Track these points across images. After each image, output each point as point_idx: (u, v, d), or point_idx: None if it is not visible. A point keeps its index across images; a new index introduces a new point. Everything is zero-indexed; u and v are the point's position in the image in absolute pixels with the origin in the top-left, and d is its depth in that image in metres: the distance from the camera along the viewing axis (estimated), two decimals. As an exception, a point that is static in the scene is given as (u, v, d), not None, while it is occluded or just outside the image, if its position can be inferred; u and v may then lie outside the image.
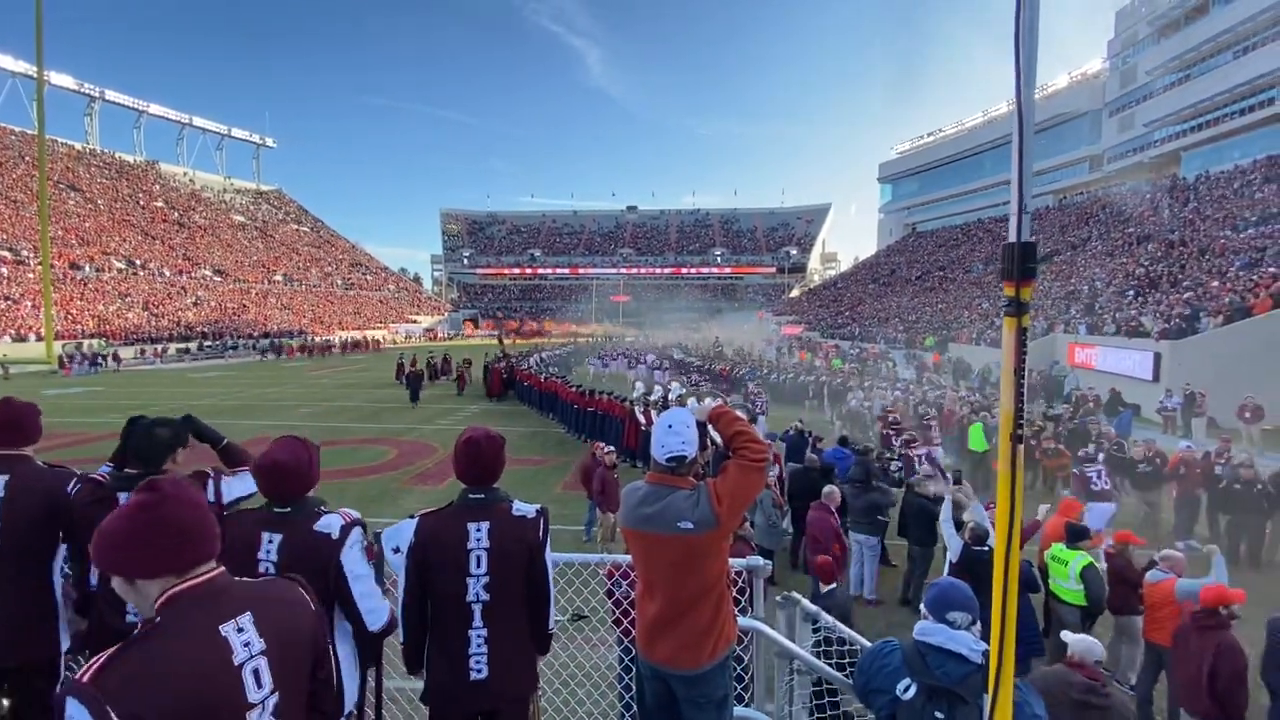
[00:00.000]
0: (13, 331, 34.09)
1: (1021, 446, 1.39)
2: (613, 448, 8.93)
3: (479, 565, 2.26)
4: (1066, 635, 3.50)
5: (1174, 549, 5.34)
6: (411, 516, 2.37)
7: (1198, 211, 28.80)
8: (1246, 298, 17.17)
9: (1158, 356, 16.96)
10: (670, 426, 2.32)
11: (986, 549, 5.21)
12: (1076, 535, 5.43)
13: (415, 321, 69.01)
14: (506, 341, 34.92)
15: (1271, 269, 18.71)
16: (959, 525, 5.79)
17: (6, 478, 2.50)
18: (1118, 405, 15.75)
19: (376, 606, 2.17)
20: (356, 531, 2.17)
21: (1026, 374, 1.46)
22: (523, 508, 2.36)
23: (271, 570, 2.06)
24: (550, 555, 2.42)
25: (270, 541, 2.09)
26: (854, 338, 38.34)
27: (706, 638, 2.27)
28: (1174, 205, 31.61)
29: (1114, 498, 8.42)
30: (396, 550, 2.33)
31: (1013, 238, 1.45)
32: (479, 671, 2.27)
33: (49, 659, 2.53)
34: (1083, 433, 11.39)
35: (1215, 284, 19.61)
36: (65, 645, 2.56)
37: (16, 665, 2.48)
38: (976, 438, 11.57)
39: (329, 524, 2.13)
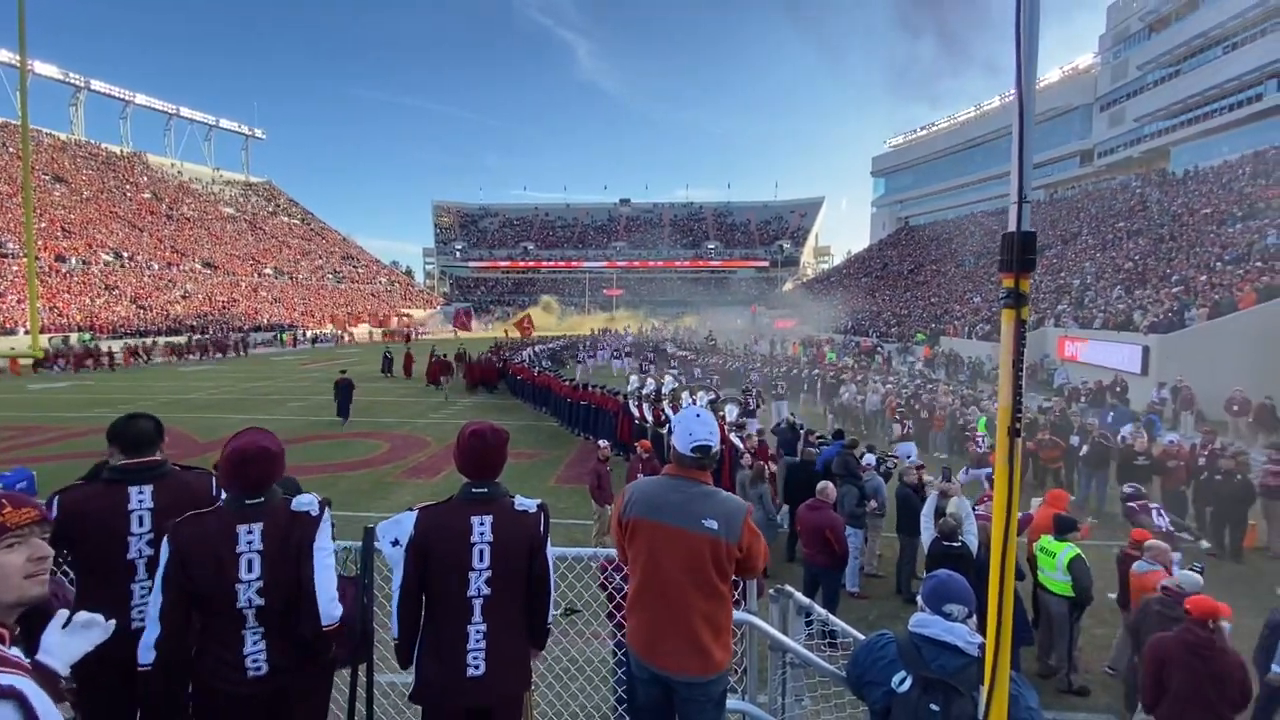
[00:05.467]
0: (-2, 325, 33.60)
1: (1020, 441, 1.38)
2: (607, 442, 8.95)
3: (482, 559, 2.24)
4: None
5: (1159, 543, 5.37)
6: (410, 509, 2.32)
7: (1186, 206, 29.00)
8: (1234, 292, 17.32)
9: (1146, 350, 17.11)
10: (699, 416, 2.38)
11: (957, 544, 5.30)
12: (1065, 527, 5.47)
13: (407, 315, 68.54)
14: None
15: (1258, 263, 18.89)
16: (941, 517, 5.84)
17: None
18: (1106, 398, 15.89)
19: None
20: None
21: (1025, 368, 1.45)
22: (524, 502, 2.36)
23: (256, 560, 2.14)
24: (551, 550, 2.42)
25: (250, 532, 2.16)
26: (846, 331, 38.47)
27: (717, 641, 2.26)
28: (1163, 200, 31.83)
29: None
30: (395, 544, 2.27)
31: (1012, 227, 1.43)
32: (476, 668, 2.23)
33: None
34: (1065, 425, 11.47)
35: (1203, 278, 19.77)
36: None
37: None
38: (982, 431, 11.67)
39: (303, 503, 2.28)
